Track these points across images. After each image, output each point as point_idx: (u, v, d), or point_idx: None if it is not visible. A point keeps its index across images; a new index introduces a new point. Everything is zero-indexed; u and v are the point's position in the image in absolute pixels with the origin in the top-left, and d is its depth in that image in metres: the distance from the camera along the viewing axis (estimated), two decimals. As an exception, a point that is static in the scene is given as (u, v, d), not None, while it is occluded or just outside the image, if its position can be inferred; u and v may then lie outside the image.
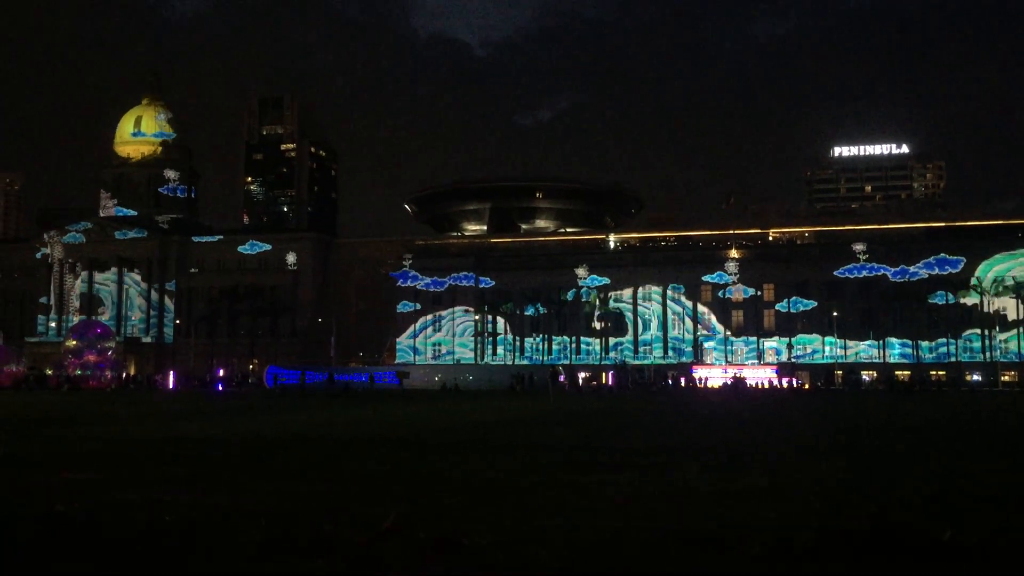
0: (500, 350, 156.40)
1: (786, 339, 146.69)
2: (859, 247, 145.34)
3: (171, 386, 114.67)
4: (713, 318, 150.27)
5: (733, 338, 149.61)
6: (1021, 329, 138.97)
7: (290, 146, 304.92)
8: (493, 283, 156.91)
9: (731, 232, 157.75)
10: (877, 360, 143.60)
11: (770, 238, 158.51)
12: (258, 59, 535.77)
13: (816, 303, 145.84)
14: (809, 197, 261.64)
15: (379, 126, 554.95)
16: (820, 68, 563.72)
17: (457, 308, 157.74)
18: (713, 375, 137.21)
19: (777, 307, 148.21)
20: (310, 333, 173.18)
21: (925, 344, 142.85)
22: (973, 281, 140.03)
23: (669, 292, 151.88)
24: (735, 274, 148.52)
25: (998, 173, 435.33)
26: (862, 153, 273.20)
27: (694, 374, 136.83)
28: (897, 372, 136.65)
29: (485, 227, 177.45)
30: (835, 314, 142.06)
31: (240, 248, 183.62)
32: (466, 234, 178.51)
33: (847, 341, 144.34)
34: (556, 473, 14.96)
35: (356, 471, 15.66)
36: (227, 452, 19.85)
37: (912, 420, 36.23)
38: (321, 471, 15.58)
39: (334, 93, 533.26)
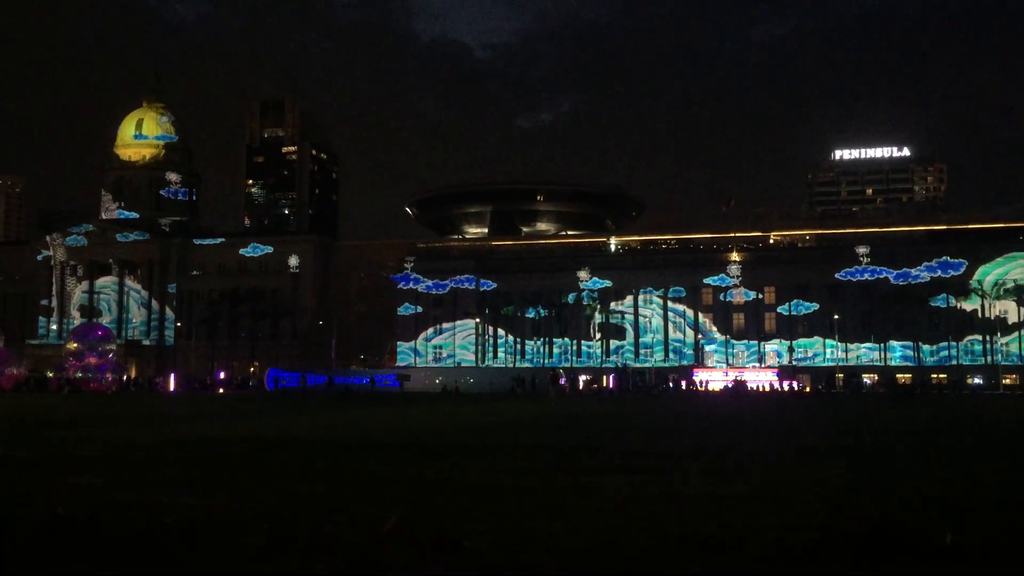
0: (501, 353, 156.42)
1: (787, 342, 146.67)
2: (862, 250, 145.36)
3: (172, 388, 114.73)
4: (710, 323, 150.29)
5: (734, 341, 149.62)
6: (1022, 332, 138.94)
7: (291, 149, 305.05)
8: (494, 286, 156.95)
9: (732, 235, 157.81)
10: (878, 363, 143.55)
11: (771, 241, 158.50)
12: (259, 62, 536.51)
13: (817, 306, 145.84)
14: (810, 200, 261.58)
15: (380, 129, 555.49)
16: (821, 70, 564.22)
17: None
18: (714, 378, 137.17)
19: (778, 310, 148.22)
20: (311, 336, 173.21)
21: (926, 347, 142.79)
22: (973, 284, 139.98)
23: (670, 296, 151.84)
24: (737, 277, 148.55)
25: (999, 176, 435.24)
26: (863, 156, 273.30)
27: (695, 377, 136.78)
28: (898, 375, 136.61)
29: (486, 230, 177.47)
30: (836, 317, 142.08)
31: (242, 251, 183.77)
32: (467, 237, 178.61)
33: (848, 344, 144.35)
34: (557, 475, 14.96)
35: (357, 473, 15.66)
36: (228, 454, 19.85)
37: (913, 423, 36.21)
38: (322, 473, 15.58)
39: (335, 96, 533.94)
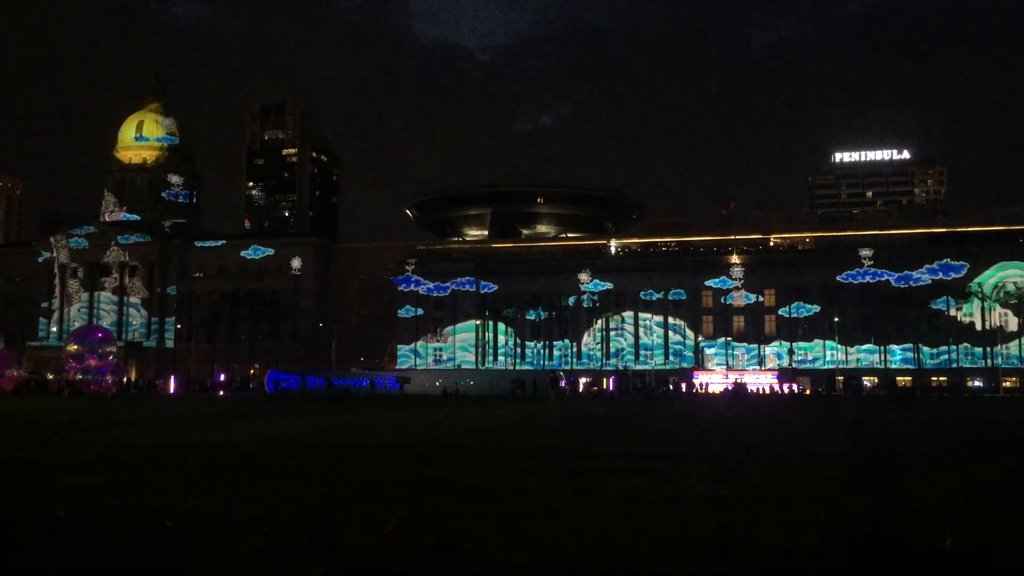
0: (501, 355, 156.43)
1: (787, 344, 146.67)
2: (865, 252, 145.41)
3: (172, 391, 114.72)
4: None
5: (734, 343, 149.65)
6: (1021, 335, 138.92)
7: (291, 151, 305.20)
8: (495, 288, 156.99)
9: (732, 237, 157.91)
10: (878, 366, 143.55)
11: (771, 243, 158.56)
12: (259, 64, 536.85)
13: (817, 308, 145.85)
14: (810, 202, 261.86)
15: (380, 131, 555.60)
16: (821, 73, 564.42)
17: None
18: (714, 381, 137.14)
19: (778, 312, 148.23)
20: (311, 338, 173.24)
21: (926, 349, 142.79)
22: (973, 287, 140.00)
23: (670, 298, 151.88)
24: (739, 279, 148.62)
25: (999, 179, 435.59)
26: (863, 158, 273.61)
27: (695, 380, 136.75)
28: (898, 378, 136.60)
29: (486, 232, 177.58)
30: (836, 320, 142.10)
31: (242, 253, 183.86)
32: (467, 239, 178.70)
33: (848, 347, 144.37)
34: (557, 478, 14.95)
35: (357, 476, 15.65)
36: (227, 456, 19.84)
37: (913, 425, 36.19)
38: (322, 476, 15.57)
39: (336, 98, 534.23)
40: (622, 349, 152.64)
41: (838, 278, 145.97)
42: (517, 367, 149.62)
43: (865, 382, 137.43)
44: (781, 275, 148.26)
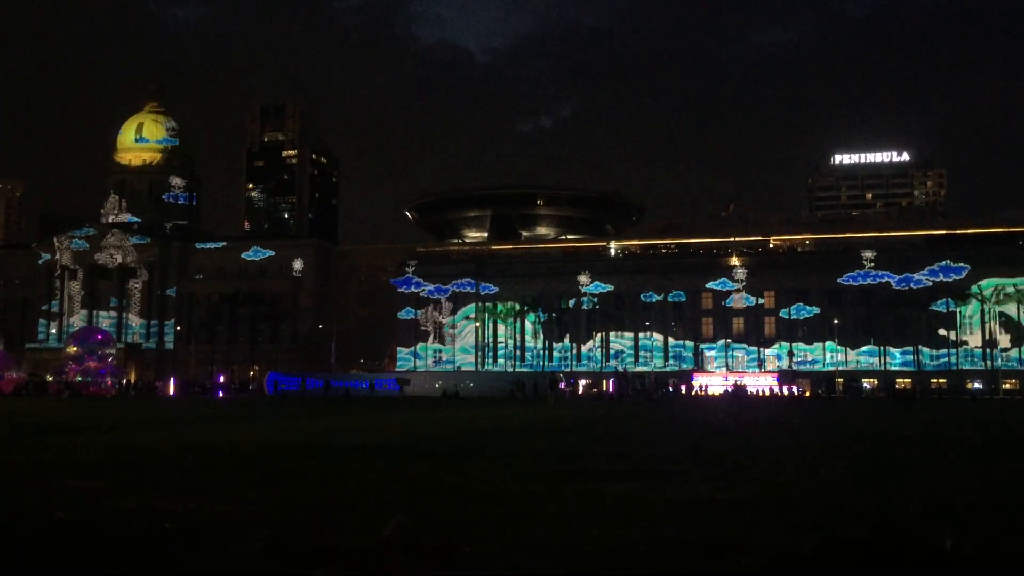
0: (501, 357, 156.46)
1: (787, 346, 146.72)
2: (868, 254, 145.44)
3: (171, 393, 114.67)
4: (707, 329, 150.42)
5: (734, 345, 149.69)
6: (1021, 336, 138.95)
7: (291, 153, 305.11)
8: (495, 290, 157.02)
9: (732, 239, 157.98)
10: (878, 368, 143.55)
11: (771, 245, 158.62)
12: (260, 66, 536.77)
13: (817, 310, 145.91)
14: (810, 204, 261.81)
15: (380, 133, 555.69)
16: (821, 75, 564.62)
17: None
18: (714, 383, 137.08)
19: (779, 314, 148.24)
20: (311, 340, 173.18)
21: (926, 351, 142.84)
22: (974, 290, 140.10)
23: (669, 300, 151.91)
24: (741, 281, 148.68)
25: (999, 181, 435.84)
26: (863, 161, 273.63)
27: (694, 381, 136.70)
28: (898, 380, 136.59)
29: (486, 234, 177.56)
30: (836, 322, 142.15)
31: (242, 255, 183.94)
32: (467, 241, 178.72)
33: (848, 349, 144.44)
34: (557, 481, 14.94)
35: (356, 478, 15.65)
36: (227, 459, 19.84)
37: (912, 427, 36.20)
38: (321, 478, 15.56)
39: (335, 100, 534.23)
40: (622, 351, 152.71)
41: (838, 280, 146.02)
42: (516, 369, 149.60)
43: (865, 384, 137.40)
44: (781, 277, 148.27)
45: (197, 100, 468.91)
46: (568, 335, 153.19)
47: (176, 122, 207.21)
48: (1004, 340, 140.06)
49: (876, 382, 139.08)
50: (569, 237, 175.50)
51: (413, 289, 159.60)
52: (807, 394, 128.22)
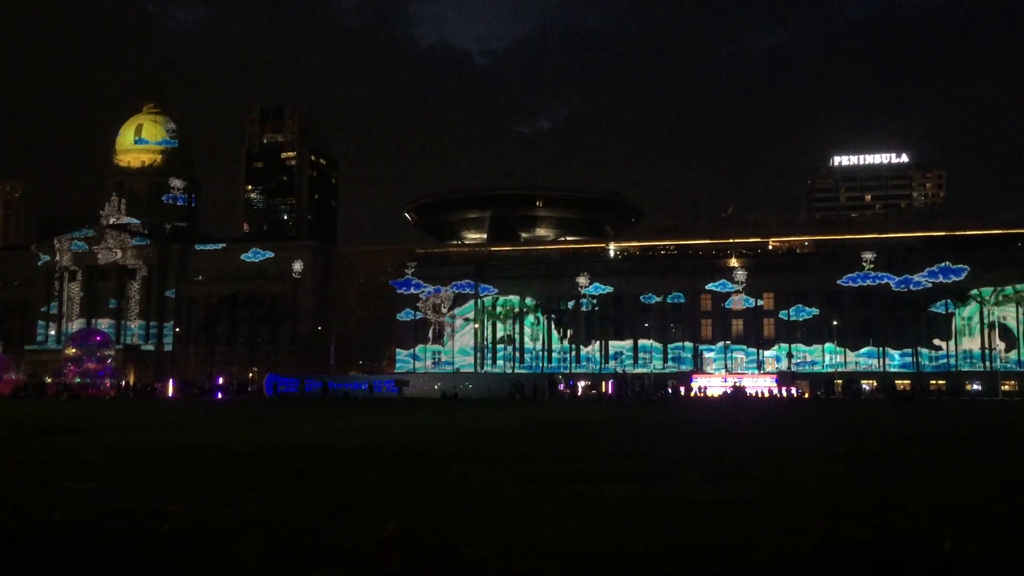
0: (500, 359, 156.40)
1: (786, 348, 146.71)
2: (867, 256, 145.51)
3: (170, 394, 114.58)
4: (706, 330, 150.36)
5: (733, 346, 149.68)
6: (1020, 337, 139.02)
7: (290, 154, 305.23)
8: (494, 291, 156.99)
9: (731, 241, 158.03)
10: (877, 369, 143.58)
11: (770, 247, 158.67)
12: (259, 67, 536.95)
13: (816, 312, 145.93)
14: (809, 206, 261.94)
15: (379, 134, 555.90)
16: (820, 77, 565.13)
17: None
18: (713, 384, 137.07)
19: (778, 316, 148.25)
20: (310, 341, 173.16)
21: (925, 353, 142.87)
22: (973, 291, 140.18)
23: (669, 301, 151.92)
24: (740, 283, 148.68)
25: (998, 183, 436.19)
26: (862, 162, 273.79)
27: (693, 383, 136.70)
28: (897, 381, 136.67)
29: (485, 235, 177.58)
30: (835, 323, 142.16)
31: (242, 256, 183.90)
32: (466, 242, 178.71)
33: (847, 350, 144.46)
34: (556, 483, 14.94)
35: (355, 480, 15.64)
36: (226, 460, 19.82)
37: (912, 429, 36.20)
38: (321, 479, 15.56)
39: (335, 101, 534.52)
40: (621, 353, 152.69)
41: (837, 282, 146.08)
42: (515, 371, 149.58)
43: (864, 385, 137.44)
44: (780, 278, 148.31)
45: (196, 101, 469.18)
46: (567, 336, 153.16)
47: (175, 123, 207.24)
48: (1002, 342, 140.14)
49: (875, 383, 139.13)
50: (568, 238, 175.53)
51: (412, 291, 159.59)
52: (806, 395, 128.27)
